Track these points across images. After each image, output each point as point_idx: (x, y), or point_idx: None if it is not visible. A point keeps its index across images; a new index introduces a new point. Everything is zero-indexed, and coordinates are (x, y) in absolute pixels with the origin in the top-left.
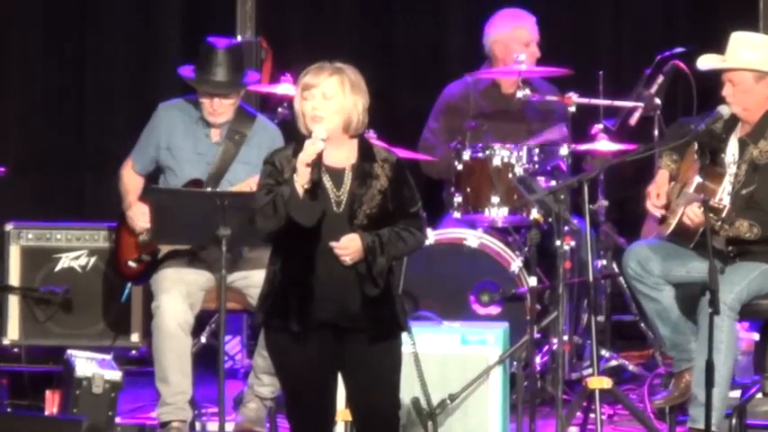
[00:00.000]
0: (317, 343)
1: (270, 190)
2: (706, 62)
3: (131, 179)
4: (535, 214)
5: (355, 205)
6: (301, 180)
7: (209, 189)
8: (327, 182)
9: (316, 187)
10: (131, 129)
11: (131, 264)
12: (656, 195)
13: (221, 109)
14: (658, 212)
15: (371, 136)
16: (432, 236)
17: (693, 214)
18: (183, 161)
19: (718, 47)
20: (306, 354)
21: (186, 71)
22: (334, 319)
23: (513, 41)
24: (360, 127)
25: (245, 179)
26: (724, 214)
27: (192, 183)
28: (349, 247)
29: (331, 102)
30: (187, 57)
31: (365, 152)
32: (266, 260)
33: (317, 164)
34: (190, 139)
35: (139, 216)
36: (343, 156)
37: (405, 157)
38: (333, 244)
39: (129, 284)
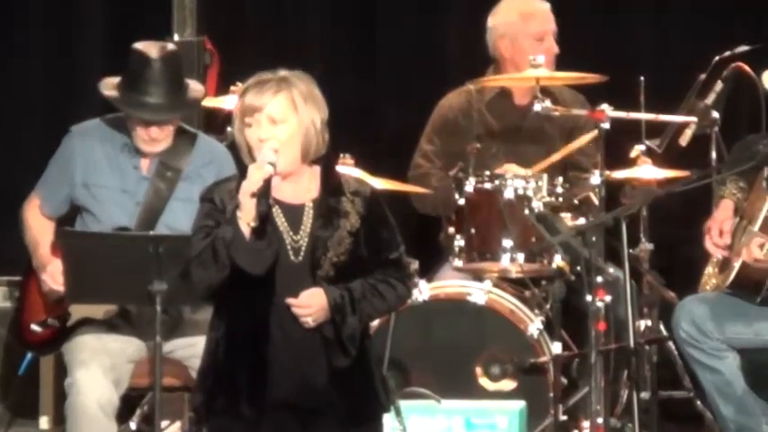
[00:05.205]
0: (274, 430)
1: (208, 233)
2: None
3: (40, 225)
4: (559, 261)
5: (318, 252)
6: (246, 216)
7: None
8: (282, 223)
9: (264, 224)
10: (44, 159)
11: (35, 328)
12: (717, 232)
13: (160, 136)
14: (720, 254)
15: (349, 162)
16: (426, 290)
17: (756, 257)
18: (106, 202)
19: None
20: None
21: (110, 89)
22: (296, 399)
23: (524, 36)
24: (320, 149)
25: (187, 221)
26: None
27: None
28: (311, 304)
29: (282, 127)
30: (112, 63)
31: (330, 183)
32: None
33: (265, 194)
34: (114, 174)
35: (57, 276)
36: (302, 188)
37: (391, 189)
38: (291, 301)
39: (30, 354)
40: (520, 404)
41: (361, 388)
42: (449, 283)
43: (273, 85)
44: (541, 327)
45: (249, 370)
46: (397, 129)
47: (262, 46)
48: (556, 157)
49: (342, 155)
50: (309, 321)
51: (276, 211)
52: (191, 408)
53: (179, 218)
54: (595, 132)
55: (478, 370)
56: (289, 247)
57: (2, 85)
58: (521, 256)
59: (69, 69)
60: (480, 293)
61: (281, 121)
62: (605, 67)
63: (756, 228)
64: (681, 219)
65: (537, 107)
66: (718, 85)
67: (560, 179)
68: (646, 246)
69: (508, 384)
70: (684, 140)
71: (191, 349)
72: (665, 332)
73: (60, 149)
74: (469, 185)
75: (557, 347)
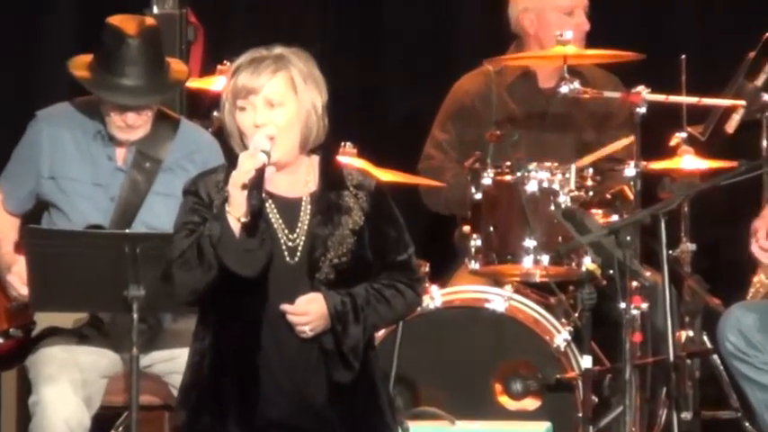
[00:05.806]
0: None
1: (193, 230)
2: None
3: (3, 222)
4: (589, 264)
5: (317, 252)
6: (236, 211)
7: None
8: (276, 219)
9: (256, 220)
10: (7, 148)
11: None
12: (765, 234)
13: (138, 122)
14: (767, 258)
15: (351, 152)
16: (438, 296)
17: None
18: (76, 196)
19: None
20: None
21: (81, 69)
22: (290, 418)
23: (551, 9)
24: (320, 136)
25: (168, 218)
26: None
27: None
28: (308, 312)
29: (280, 111)
30: (84, 40)
31: (330, 175)
32: None
33: (258, 186)
34: (85, 165)
35: (23, 277)
36: (299, 181)
37: (399, 182)
38: (285, 308)
39: None
40: (544, 425)
41: (364, 407)
42: (464, 288)
43: (271, 63)
44: (569, 338)
45: (238, 385)
46: (405, 114)
47: (253, 20)
48: (592, 157)
49: (343, 143)
50: (306, 331)
51: (270, 205)
52: (172, 428)
53: (159, 214)
54: (631, 138)
55: (497, 387)
56: (284, 246)
57: None
58: (545, 258)
59: (34, 46)
60: (500, 300)
61: (279, 105)
62: (642, 44)
63: None
64: (727, 216)
65: (564, 89)
66: None
67: (590, 171)
68: (687, 246)
69: (531, 403)
70: (731, 127)
71: (171, 363)
72: (708, 344)
73: (25, 137)
74: (488, 178)
75: (586, 361)
